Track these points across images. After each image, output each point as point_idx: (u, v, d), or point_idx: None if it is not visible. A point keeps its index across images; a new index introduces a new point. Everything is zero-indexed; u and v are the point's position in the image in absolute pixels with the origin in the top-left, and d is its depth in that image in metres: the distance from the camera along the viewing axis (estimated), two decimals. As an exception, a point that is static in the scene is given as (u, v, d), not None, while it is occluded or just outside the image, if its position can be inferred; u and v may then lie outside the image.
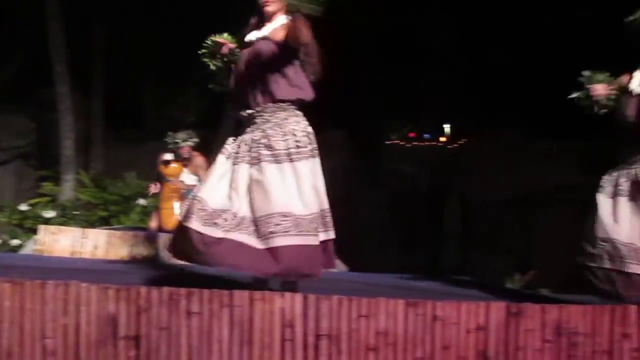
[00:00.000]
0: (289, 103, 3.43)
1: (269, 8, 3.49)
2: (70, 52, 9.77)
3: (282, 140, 3.34)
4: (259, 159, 3.32)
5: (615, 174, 3.83)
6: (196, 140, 6.69)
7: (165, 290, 2.76)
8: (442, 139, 12.05)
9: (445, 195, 10.62)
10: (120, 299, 2.71)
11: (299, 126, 3.40)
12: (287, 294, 2.85)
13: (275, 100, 3.39)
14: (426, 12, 11.54)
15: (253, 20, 3.58)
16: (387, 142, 11.31)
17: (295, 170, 3.32)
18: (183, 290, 2.78)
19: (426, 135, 11.92)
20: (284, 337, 2.81)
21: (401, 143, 11.40)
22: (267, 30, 3.49)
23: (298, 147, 3.35)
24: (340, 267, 6.79)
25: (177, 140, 6.52)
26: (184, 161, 6.63)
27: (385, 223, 10.33)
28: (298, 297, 2.83)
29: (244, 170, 3.33)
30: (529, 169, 9.66)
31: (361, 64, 11.40)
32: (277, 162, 3.31)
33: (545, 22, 10.18)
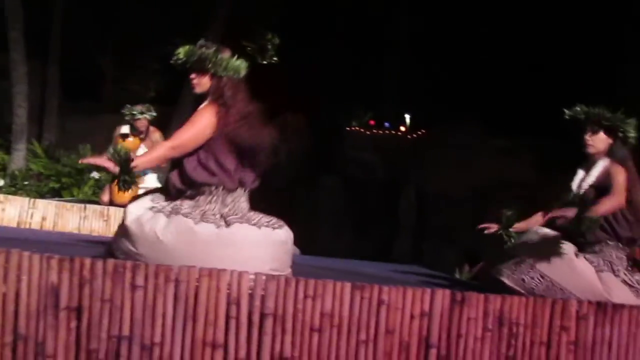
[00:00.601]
0: None
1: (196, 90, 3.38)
2: (26, 16, 9.47)
3: None
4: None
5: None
6: (154, 114, 6.59)
7: (110, 262, 2.72)
8: (402, 128, 12.11)
9: (402, 184, 10.69)
10: (63, 269, 2.66)
11: None
12: (235, 272, 2.84)
13: None
14: (392, 1, 11.57)
15: None
16: (347, 129, 11.31)
17: None
18: (128, 264, 2.74)
19: (386, 124, 11.96)
20: (228, 314, 2.80)
21: (361, 130, 11.42)
22: None
23: None
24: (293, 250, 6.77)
25: (134, 112, 6.42)
26: (142, 136, 6.53)
27: (340, 209, 10.35)
28: (245, 275, 2.82)
29: None
30: (485, 164, 9.79)
31: (325, 49, 11.37)
32: None
33: (507, 20, 10.30)
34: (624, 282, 3.80)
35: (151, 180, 6.32)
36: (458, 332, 3.01)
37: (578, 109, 3.93)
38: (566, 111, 3.96)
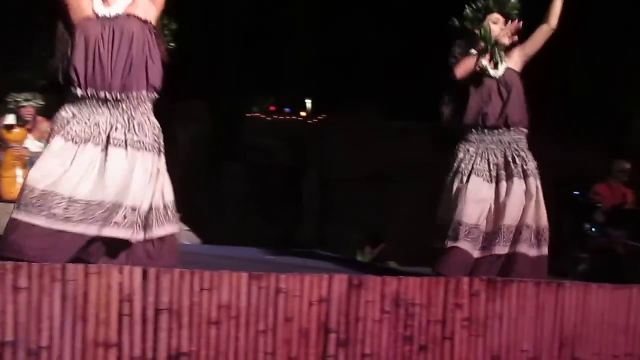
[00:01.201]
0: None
1: None
2: None
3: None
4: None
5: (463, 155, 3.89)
6: (41, 102, 6.26)
7: (-11, 264, 2.57)
8: (303, 113, 12.13)
9: (304, 169, 10.73)
10: (-63, 273, 2.49)
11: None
12: (126, 267, 2.74)
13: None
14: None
15: None
16: (247, 115, 11.22)
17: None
18: (9, 264, 2.59)
19: (287, 110, 11.94)
20: (121, 312, 2.71)
21: (262, 116, 11.35)
22: (122, 4, 3.17)
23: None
24: (192, 239, 6.67)
25: (18, 99, 6.08)
26: (29, 126, 6.20)
27: (243, 196, 10.28)
28: (137, 271, 2.73)
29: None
30: (384, 146, 9.95)
31: (224, 34, 11.20)
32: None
33: (403, 4, 10.46)
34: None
35: (34, 145, 6.03)
36: (356, 316, 3.04)
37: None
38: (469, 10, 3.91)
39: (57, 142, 3.06)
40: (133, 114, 3.13)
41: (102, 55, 3.07)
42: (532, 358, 3.38)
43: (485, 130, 3.85)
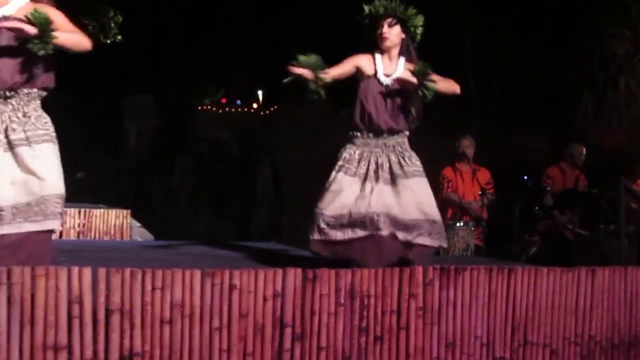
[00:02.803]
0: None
1: None
2: None
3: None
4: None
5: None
6: None
7: None
8: (254, 105, 12.05)
9: (257, 161, 10.68)
10: None
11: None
12: (75, 268, 2.67)
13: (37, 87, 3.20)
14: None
15: None
16: (198, 108, 11.08)
17: None
18: (-50, 270, 2.50)
19: (238, 102, 11.84)
20: (71, 314, 2.64)
21: (213, 109, 11.23)
22: (16, 5, 3.17)
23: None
24: (145, 235, 6.58)
25: None
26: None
27: (195, 189, 10.18)
28: (86, 272, 2.67)
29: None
30: (334, 135, 9.96)
31: (172, 27, 11.04)
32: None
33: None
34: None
35: None
36: (312, 309, 3.03)
37: (377, 2, 3.91)
38: (365, 7, 3.93)
39: None
40: (26, 109, 3.16)
41: None
42: (486, 343, 3.42)
43: (371, 135, 3.94)
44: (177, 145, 10.22)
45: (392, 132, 3.95)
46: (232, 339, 2.87)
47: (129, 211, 6.65)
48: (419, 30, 3.97)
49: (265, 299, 2.94)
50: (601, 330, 3.71)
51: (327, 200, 3.90)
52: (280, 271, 2.99)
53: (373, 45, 3.99)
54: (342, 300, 3.08)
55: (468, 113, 8.62)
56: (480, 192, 6.36)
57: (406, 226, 3.77)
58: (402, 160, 3.92)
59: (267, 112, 11.20)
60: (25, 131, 3.12)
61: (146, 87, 9.87)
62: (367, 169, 3.90)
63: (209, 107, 11.13)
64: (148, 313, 2.75)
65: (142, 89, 9.89)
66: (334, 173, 3.96)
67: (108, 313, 2.69)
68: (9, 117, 3.13)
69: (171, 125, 10.08)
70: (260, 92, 12.40)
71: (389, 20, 3.90)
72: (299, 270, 3.03)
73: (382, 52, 3.98)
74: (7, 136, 3.12)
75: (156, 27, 10.31)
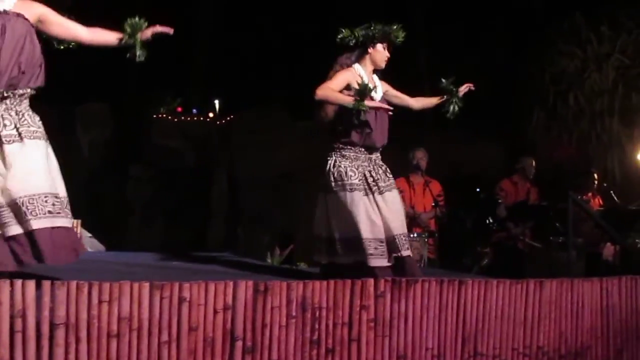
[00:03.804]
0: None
1: None
2: None
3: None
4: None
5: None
6: None
7: None
8: (211, 114, 11.96)
9: (212, 171, 10.58)
10: None
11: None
12: (18, 282, 2.60)
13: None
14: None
15: None
16: (154, 116, 10.96)
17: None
18: None
19: (194, 110, 11.74)
20: (13, 328, 2.56)
21: (168, 117, 11.11)
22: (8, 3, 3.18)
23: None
24: (96, 246, 6.45)
25: None
26: None
27: (150, 199, 10.03)
28: (30, 285, 2.60)
29: None
30: (291, 147, 9.96)
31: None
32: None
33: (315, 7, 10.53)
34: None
35: None
36: (263, 322, 3.01)
37: (374, 28, 4.08)
38: (368, 29, 4.09)
39: None
40: (19, 108, 3.18)
41: None
42: (437, 355, 3.45)
43: (362, 149, 4.11)
44: (131, 154, 10.07)
45: (381, 147, 4.17)
46: (182, 353, 2.83)
47: (79, 221, 6.52)
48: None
49: (215, 311, 2.91)
50: (549, 341, 3.78)
51: (364, 225, 3.91)
52: (230, 283, 2.96)
53: (357, 58, 4.12)
54: (294, 313, 3.07)
55: (422, 125, 8.72)
56: (433, 204, 6.43)
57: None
58: (385, 174, 4.12)
59: (224, 121, 11.13)
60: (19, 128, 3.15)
61: (100, 95, 9.72)
62: (366, 183, 4.04)
63: (164, 115, 11.01)
64: (95, 327, 2.69)
65: (95, 97, 9.74)
66: (347, 194, 4.00)
67: (52, 327, 2.62)
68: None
69: (125, 134, 9.93)
70: (216, 101, 12.31)
71: (388, 44, 4.12)
72: (250, 283, 3.00)
73: (365, 68, 4.12)
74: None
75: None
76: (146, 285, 2.78)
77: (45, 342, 2.61)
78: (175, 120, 11.19)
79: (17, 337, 2.57)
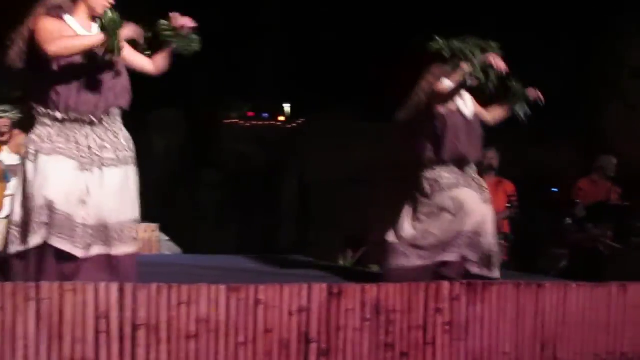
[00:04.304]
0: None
1: None
2: None
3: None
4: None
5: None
6: (17, 114, 6.17)
7: (-40, 285, 2.52)
8: (281, 118, 12.09)
9: (283, 174, 10.69)
10: None
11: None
12: (102, 284, 2.70)
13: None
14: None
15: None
16: (225, 121, 11.15)
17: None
18: (-19, 285, 2.54)
19: (264, 115, 11.89)
20: (97, 329, 2.66)
21: (239, 122, 11.29)
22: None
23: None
24: (173, 249, 6.61)
25: None
26: (5, 138, 6.11)
27: (222, 203, 10.22)
28: (113, 287, 2.69)
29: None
30: (361, 148, 9.95)
31: (200, 41, 11.10)
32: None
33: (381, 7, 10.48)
34: None
35: (10, 159, 5.93)
36: (337, 325, 3.01)
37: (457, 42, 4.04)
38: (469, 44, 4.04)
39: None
40: (115, 129, 3.22)
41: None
42: (514, 360, 3.37)
43: (456, 164, 4.15)
44: (204, 159, 10.28)
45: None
46: (258, 354, 2.87)
47: (157, 225, 6.69)
48: None
49: (290, 314, 2.93)
50: (633, 347, 3.63)
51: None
52: (305, 286, 2.98)
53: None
54: (368, 316, 3.06)
55: (494, 125, 8.54)
56: (506, 205, 6.29)
57: None
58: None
59: (294, 125, 11.23)
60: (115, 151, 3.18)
61: (173, 101, 9.97)
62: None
63: (236, 120, 11.19)
64: (174, 328, 2.76)
65: (169, 103, 9.99)
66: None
67: (134, 328, 2.70)
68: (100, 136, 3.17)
69: (198, 139, 10.14)
70: (287, 105, 12.44)
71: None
72: (324, 285, 3.01)
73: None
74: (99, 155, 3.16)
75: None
76: (223, 287, 2.83)
77: (127, 343, 2.70)
78: (247, 124, 11.36)
79: (102, 337, 2.67)
